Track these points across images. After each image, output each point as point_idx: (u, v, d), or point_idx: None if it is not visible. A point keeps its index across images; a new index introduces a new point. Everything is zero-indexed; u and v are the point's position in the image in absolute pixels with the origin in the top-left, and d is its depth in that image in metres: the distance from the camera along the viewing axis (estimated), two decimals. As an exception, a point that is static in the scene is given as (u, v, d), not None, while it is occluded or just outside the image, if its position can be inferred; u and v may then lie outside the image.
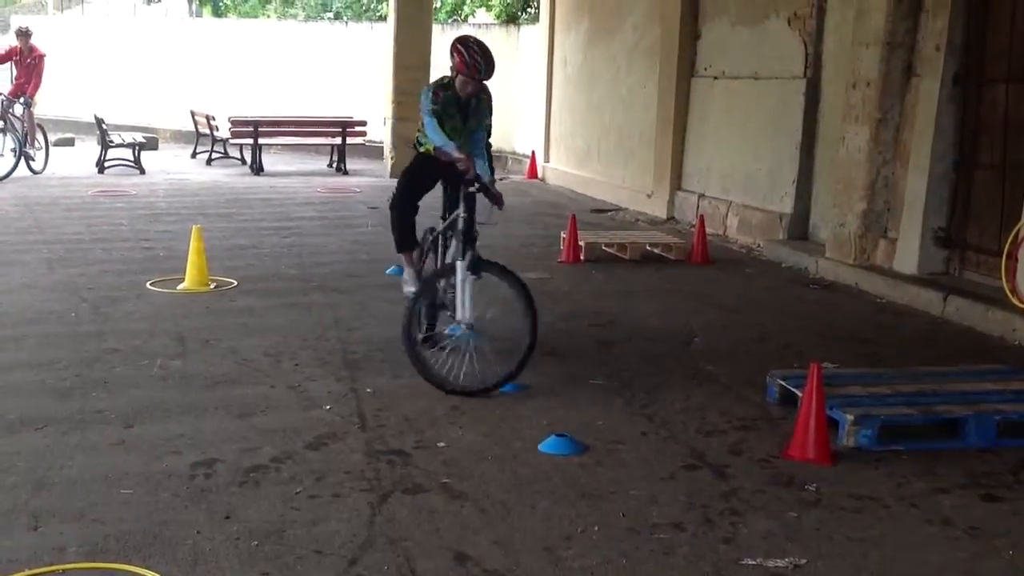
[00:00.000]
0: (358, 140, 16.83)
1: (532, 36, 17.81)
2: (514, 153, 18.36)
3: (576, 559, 3.70)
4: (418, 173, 6.36)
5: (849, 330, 7.30)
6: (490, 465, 4.56)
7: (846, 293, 8.56)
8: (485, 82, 6.04)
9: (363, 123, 16.65)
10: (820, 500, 4.29)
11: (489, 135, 6.31)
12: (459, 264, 5.71)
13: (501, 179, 16.58)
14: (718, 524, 4.03)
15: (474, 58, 5.86)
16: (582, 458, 4.67)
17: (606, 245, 9.96)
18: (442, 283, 6.04)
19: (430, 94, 5.99)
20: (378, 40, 18.29)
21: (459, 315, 5.69)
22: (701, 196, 11.80)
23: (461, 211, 5.85)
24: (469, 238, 5.81)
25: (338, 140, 16.65)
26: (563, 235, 9.89)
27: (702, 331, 7.05)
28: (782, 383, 5.45)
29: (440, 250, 6.37)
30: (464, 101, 6.03)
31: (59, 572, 3.48)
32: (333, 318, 7.12)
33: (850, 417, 4.87)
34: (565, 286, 8.50)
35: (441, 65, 16.37)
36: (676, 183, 12.46)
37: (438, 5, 22.03)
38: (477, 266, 5.70)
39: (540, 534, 3.88)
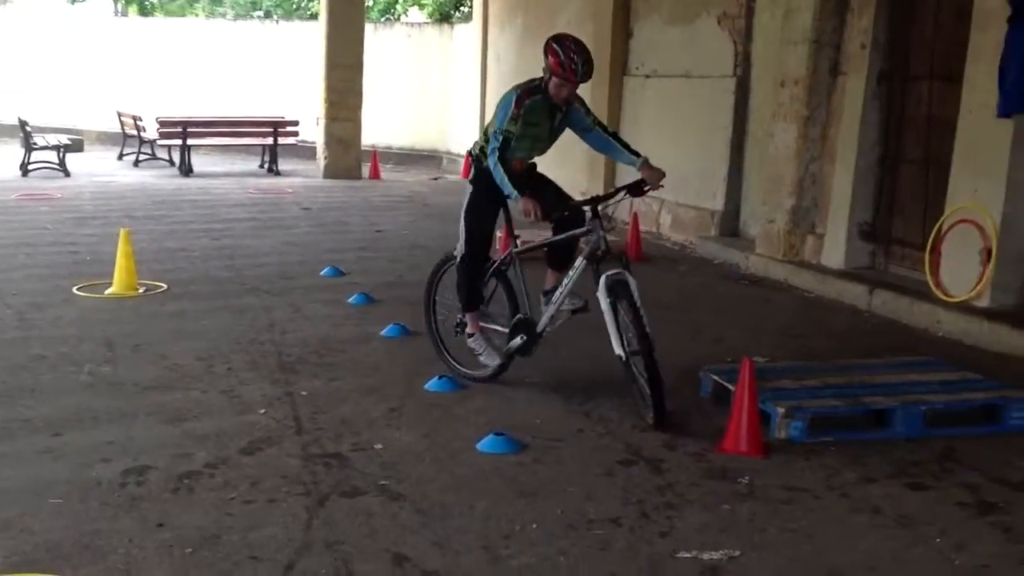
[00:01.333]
0: (290, 140, 16.67)
1: (465, 35, 17.83)
2: (448, 152, 18.35)
3: (515, 557, 3.71)
4: (483, 207, 5.55)
5: (780, 324, 7.42)
6: (428, 466, 4.55)
7: (776, 288, 8.70)
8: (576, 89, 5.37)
9: (295, 123, 16.51)
10: (753, 492, 4.36)
11: (604, 126, 5.61)
12: (600, 297, 5.16)
13: (435, 179, 16.75)
14: (654, 518, 4.07)
15: (571, 58, 5.16)
16: (520, 456, 4.68)
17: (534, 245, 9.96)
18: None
19: (512, 102, 5.25)
20: (310, 39, 18.13)
21: (616, 348, 5.13)
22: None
23: (589, 233, 5.27)
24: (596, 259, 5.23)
25: (270, 140, 16.47)
26: (499, 234, 9.90)
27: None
28: (715, 378, 5.52)
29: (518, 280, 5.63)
30: (555, 108, 5.36)
31: (-14, 585, 3.40)
32: (267, 321, 7.05)
33: (781, 410, 4.96)
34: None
35: (373, 65, 16.44)
36: (610, 181, 12.53)
37: (370, 4, 21.94)
38: (615, 288, 5.13)
39: (479, 533, 3.89)
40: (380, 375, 5.88)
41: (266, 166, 16.74)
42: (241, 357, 6.15)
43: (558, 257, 5.63)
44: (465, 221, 5.57)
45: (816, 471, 4.60)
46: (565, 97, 5.32)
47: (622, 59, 12.32)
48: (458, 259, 5.63)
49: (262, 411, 5.20)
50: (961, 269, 7.33)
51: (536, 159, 5.62)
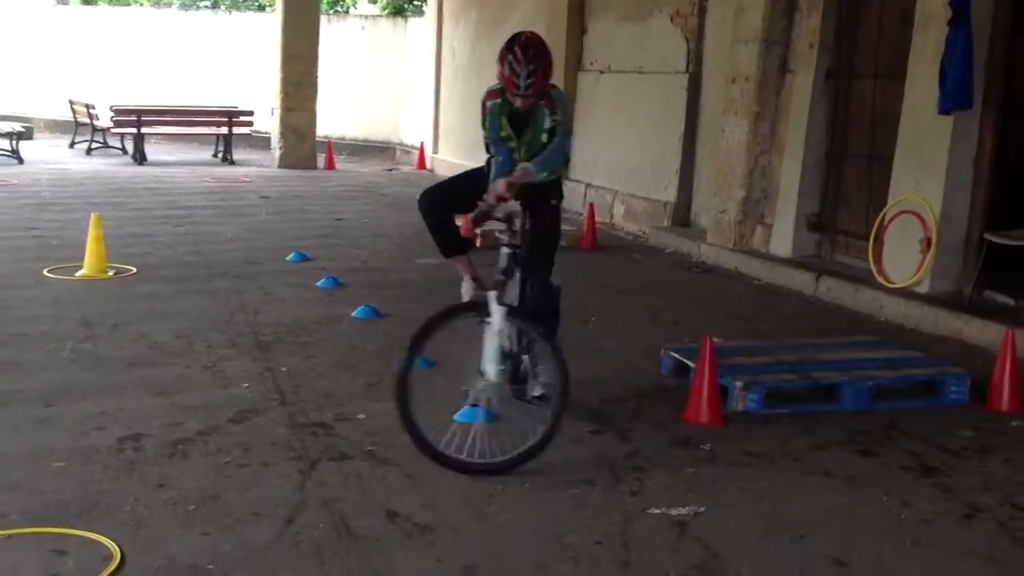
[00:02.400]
0: (244, 130, 16.75)
1: (419, 28, 18.03)
2: (402, 144, 18.54)
3: (498, 514, 3.99)
4: (466, 179, 5.33)
5: (731, 309, 7.78)
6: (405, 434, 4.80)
7: (727, 275, 9.07)
8: (549, 91, 4.86)
9: (250, 113, 16.57)
10: (714, 457, 4.68)
11: (553, 135, 4.92)
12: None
13: (390, 170, 16.93)
14: (625, 480, 4.37)
15: (514, 70, 4.68)
16: (495, 425, 4.95)
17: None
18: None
19: (482, 104, 5.02)
20: (262, 30, 18.21)
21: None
22: (588, 185, 12.22)
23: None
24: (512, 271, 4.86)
25: (224, 130, 16.53)
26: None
27: (597, 311, 7.41)
28: (675, 355, 5.84)
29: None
30: (521, 110, 4.85)
31: (4, 537, 3.59)
32: (239, 303, 7.24)
33: (739, 384, 5.29)
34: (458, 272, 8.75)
35: (327, 56, 16.56)
36: (564, 173, 12.84)
37: (322, -4, 21.96)
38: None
39: (463, 494, 4.15)
40: (355, 353, 6.11)
41: (220, 155, 16.80)
42: (218, 336, 6.34)
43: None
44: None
45: (772, 439, 4.93)
46: (521, 107, 4.82)
47: (576, 55, 12.63)
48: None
49: (245, 385, 5.42)
50: (902, 257, 7.76)
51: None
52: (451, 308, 4.64)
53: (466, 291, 5.38)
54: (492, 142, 5.03)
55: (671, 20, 10.88)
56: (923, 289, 7.57)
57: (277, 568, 3.49)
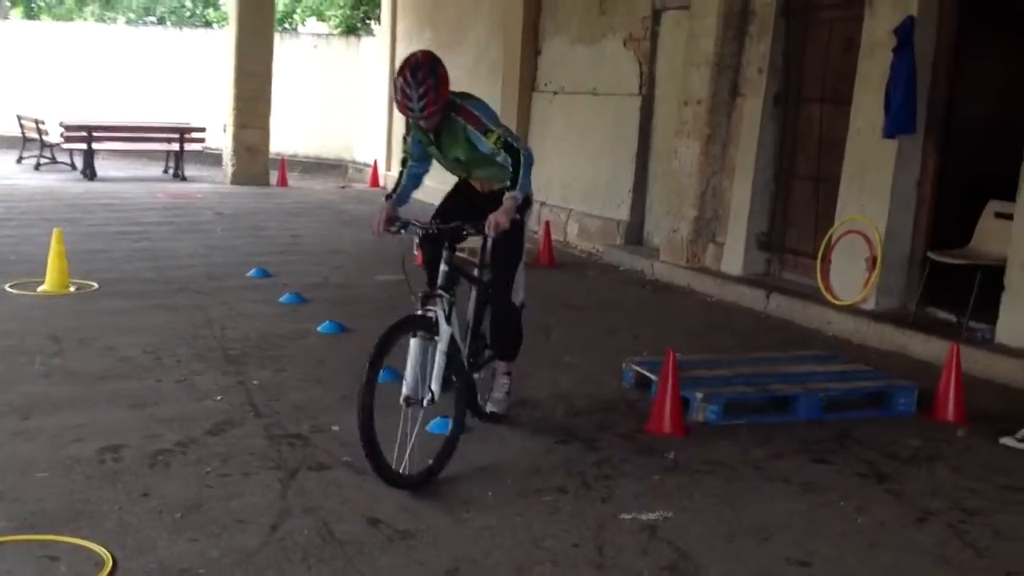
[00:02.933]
0: (196, 147, 16.72)
1: (372, 47, 18.16)
2: (355, 162, 18.62)
3: (476, 519, 4.14)
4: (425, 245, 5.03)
5: (686, 324, 8.02)
6: (385, 445, 4.92)
7: (680, 293, 9.32)
8: (457, 101, 4.79)
9: (202, 129, 16.55)
10: (679, 465, 4.88)
11: (509, 149, 4.77)
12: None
13: (343, 187, 17.01)
14: (595, 487, 4.54)
15: (405, 93, 4.62)
16: (466, 436, 5.09)
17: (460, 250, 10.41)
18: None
19: (405, 120, 4.95)
20: (215, 46, 18.21)
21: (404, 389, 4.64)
22: (543, 204, 12.41)
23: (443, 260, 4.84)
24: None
25: (175, 146, 16.50)
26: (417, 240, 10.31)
27: (557, 326, 7.59)
28: (637, 369, 6.04)
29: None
30: (433, 129, 4.83)
31: (-6, 546, 3.66)
32: (204, 318, 7.30)
33: (699, 396, 5.50)
34: (420, 286, 8.88)
35: (279, 74, 16.59)
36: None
37: (274, 13, 21.99)
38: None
39: (441, 501, 4.29)
40: (324, 367, 6.22)
41: (170, 171, 16.75)
42: (186, 350, 6.41)
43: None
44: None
45: (732, 448, 5.14)
46: (429, 127, 4.80)
47: (531, 75, 12.86)
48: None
49: (218, 398, 5.50)
50: (849, 275, 8.06)
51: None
52: (397, 326, 4.55)
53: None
54: (412, 157, 5.09)
55: (624, 44, 11.15)
56: (869, 306, 7.87)
57: (266, 572, 3.60)
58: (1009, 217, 7.11)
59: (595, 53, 11.65)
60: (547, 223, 10.93)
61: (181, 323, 7.11)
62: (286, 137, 18.07)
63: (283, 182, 16.50)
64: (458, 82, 16.60)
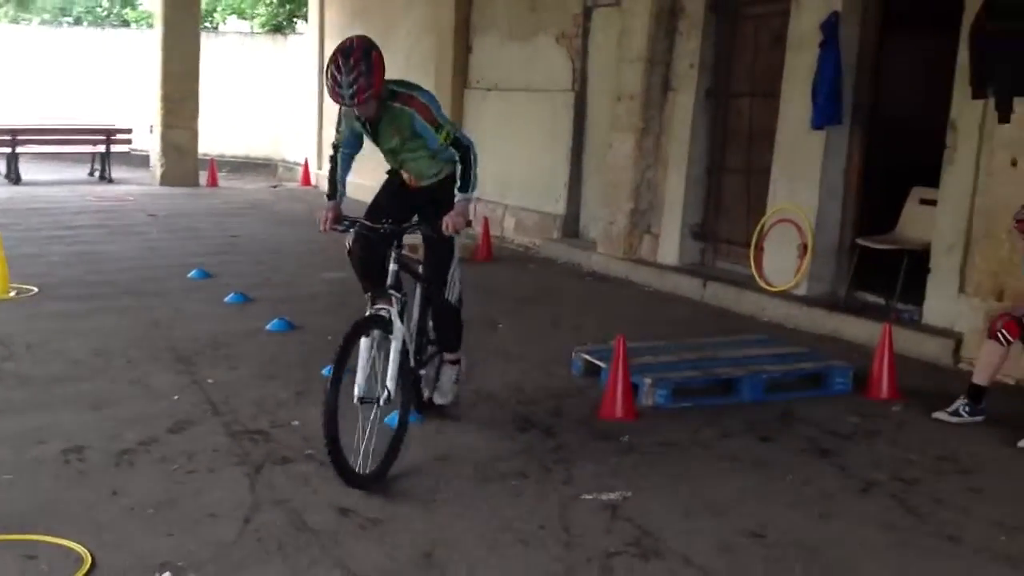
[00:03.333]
0: (123, 148, 16.49)
1: (300, 45, 18.08)
2: (284, 161, 18.53)
3: (444, 506, 4.26)
4: (357, 243, 4.90)
5: (626, 314, 8.22)
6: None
7: (618, 284, 9.53)
8: (404, 91, 4.71)
9: (128, 131, 16.33)
10: (633, 448, 5.06)
11: (458, 146, 4.74)
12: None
13: (275, 187, 16.93)
14: (555, 471, 4.69)
15: (335, 79, 4.49)
16: (424, 427, 5.21)
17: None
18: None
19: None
20: (139, 46, 17.96)
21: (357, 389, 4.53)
22: (478, 199, 12.54)
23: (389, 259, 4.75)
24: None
25: (102, 148, 16.25)
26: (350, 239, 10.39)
27: (502, 319, 7.74)
28: (586, 357, 6.22)
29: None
30: (369, 115, 4.69)
31: (-30, 547, 3.67)
32: (150, 319, 7.29)
33: (648, 381, 5.69)
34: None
35: (204, 73, 16.43)
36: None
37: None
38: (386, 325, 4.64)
39: (408, 490, 4.40)
40: (277, 364, 6.27)
41: (96, 174, 16.50)
42: (137, 352, 6.40)
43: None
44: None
45: (682, 430, 5.34)
46: (368, 116, 4.68)
47: (463, 72, 12.98)
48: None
49: (175, 397, 5.53)
50: (781, 263, 8.34)
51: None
52: (357, 325, 4.53)
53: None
54: (344, 143, 4.98)
55: (556, 41, 11.33)
56: (801, 292, 8.16)
57: (244, 562, 3.68)
58: (932, 203, 7.45)
59: (527, 50, 11.81)
60: (485, 218, 11.07)
61: (128, 325, 7.10)
62: (214, 137, 17.90)
63: (213, 182, 16.38)
64: (390, 77, 16.44)
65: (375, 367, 4.54)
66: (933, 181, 7.38)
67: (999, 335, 5.44)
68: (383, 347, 4.56)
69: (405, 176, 5.02)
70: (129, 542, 3.78)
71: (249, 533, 3.91)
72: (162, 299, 7.95)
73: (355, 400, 4.44)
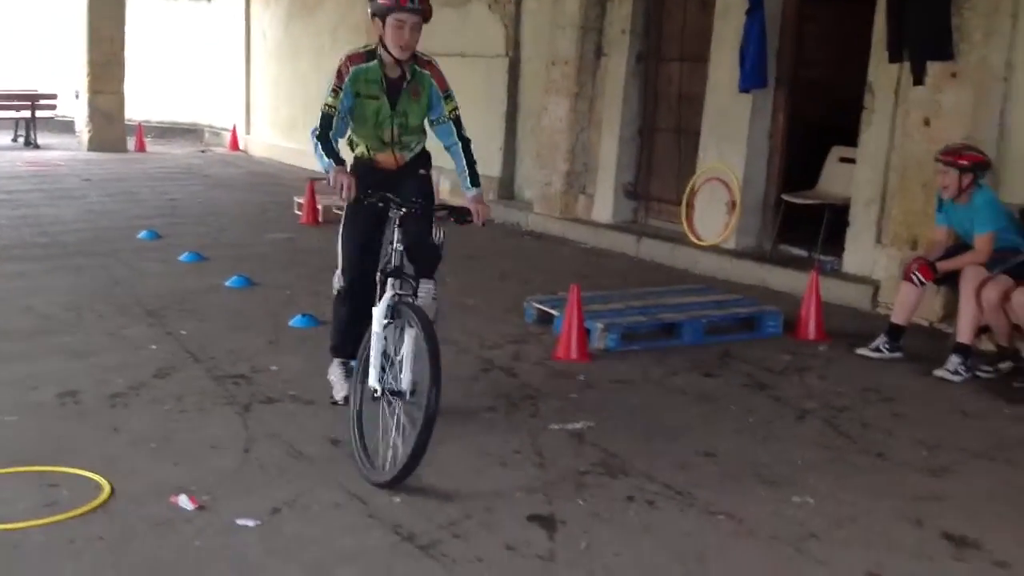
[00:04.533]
0: (48, 114, 16.31)
1: (227, 9, 17.97)
2: (211, 126, 18.47)
3: (424, 436, 4.63)
4: (362, 216, 4.48)
5: (568, 268, 8.63)
6: (320, 379, 5.28)
7: (556, 241, 9.95)
8: (424, 56, 4.52)
9: (53, 96, 16.15)
10: (590, 385, 5.50)
11: (460, 126, 4.64)
12: (375, 311, 4.18)
13: (203, 151, 16.92)
14: (522, 406, 5.10)
15: None
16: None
17: (339, 208, 10.74)
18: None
19: (335, 71, 4.38)
20: (62, 9, 17.67)
21: (372, 379, 4.15)
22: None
23: (394, 241, 4.30)
24: (399, 278, 4.26)
25: (27, 114, 16.06)
26: (298, 199, 10.63)
27: (452, 274, 8.05)
28: (539, 306, 6.63)
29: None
30: (396, 80, 4.43)
31: (-7, 479, 3.93)
32: (110, 278, 7.47)
33: (600, 326, 6.13)
34: (315, 243, 9.22)
35: (130, 37, 16.30)
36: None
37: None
38: (399, 311, 4.13)
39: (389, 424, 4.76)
40: (244, 317, 6.55)
41: (22, 140, 16.29)
42: (106, 307, 6.61)
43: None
44: (342, 233, 4.67)
45: (632, 369, 5.80)
46: (408, 43, 4.34)
47: (396, 38, 13.17)
48: (334, 292, 4.81)
49: (153, 347, 5.79)
50: (711, 219, 8.85)
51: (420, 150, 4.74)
52: (392, 309, 4.15)
53: (337, 379, 4.93)
54: (341, 117, 4.43)
55: (489, 7, 11.63)
56: (731, 245, 8.69)
57: (252, 486, 4.01)
58: (851, 161, 8.01)
59: (461, 16, 12.08)
60: (423, 180, 11.34)
61: (89, 283, 7.27)
62: (140, 102, 17.74)
63: (141, 147, 16.33)
64: (321, 46, 16.88)
65: (390, 356, 4.11)
66: (852, 140, 7.94)
67: (913, 276, 6.01)
68: (398, 333, 4.12)
69: (387, 156, 4.62)
70: (140, 471, 4.08)
71: (251, 462, 4.24)
72: (116, 259, 8.11)
73: (378, 394, 4.09)
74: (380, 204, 4.30)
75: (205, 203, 11.34)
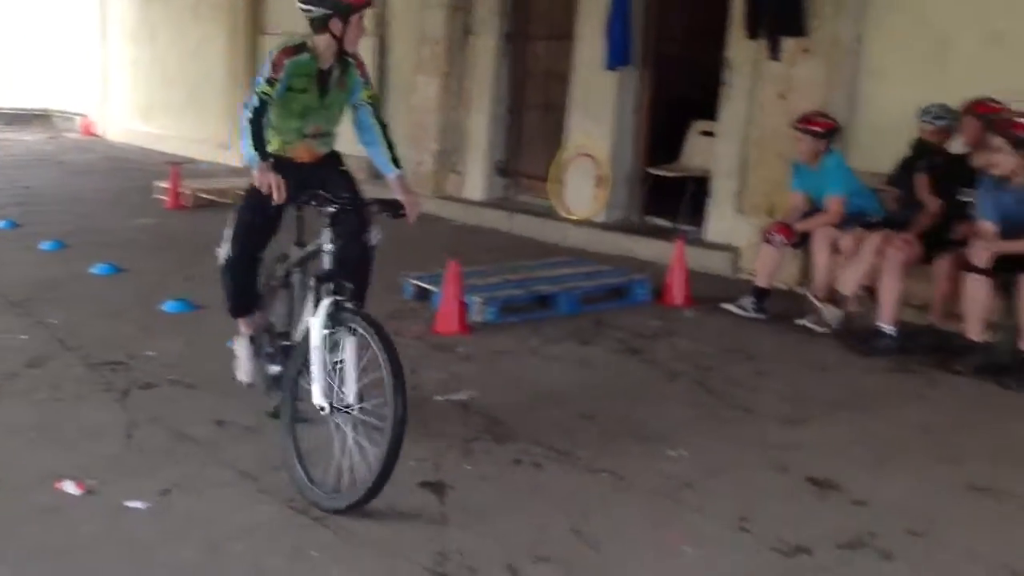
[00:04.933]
0: None
1: (76, -9, 17.33)
2: (63, 113, 17.80)
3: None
4: (264, 202, 4.12)
5: (443, 245, 8.68)
6: (201, 363, 5.30)
7: (430, 220, 9.89)
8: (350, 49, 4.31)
9: None
10: (470, 356, 5.62)
11: (377, 109, 4.58)
12: (312, 321, 3.86)
13: (53, 137, 16.29)
14: (405, 379, 5.16)
15: None
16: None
17: (205, 192, 10.58)
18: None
19: (270, 62, 4.20)
20: None
21: (317, 396, 3.78)
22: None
23: (325, 242, 3.99)
24: (335, 283, 3.91)
25: None
26: (161, 184, 10.40)
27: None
28: (417, 282, 6.71)
29: (301, 291, 4.37)
30: (326, 72, 4.31)
31: None
32: (-35, 269, 7.21)
33: (478, 299, 6.26)
34: (181, 228, 9.07)
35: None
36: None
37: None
38: (341, 317, 3.82)
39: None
40: (113, 304, 6.41)
41: None
42: (-36, 299, 6.39)
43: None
44: (236, 213, 4.44)
45: (511, 340, 5.94)
46: (344, 41, 4.23)
47: (256, 19, 12.98)
48: (220, 261, 4.48)
49: (23, 337, 5.63)
50: (581, 194, 9.07)
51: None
52: (334, 318, 3.82)
53: (244, 359, 4.67)
54: (266, 108, 4.20)
55: (353, -14, 11.55)
56: (600, 219, 8.93)
57: (138, 469, 3.99)
58: (711, 135, 8.34)
59: (324, -5, 11.96)
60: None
61: (-56, 276, 7.00)
62: (-16, 87, 17.03)
63: (-12, 135, 15.64)
64: (182, 24, 16.40)
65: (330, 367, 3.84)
66: (712, 115, 8.25)
67: (772, 237, 6.35)
68: (342, 342, 3.85)
69: (304, 150, 4.48)
70: (21, 459, 4.01)
71: (134, 446, 4.21)
72: (-27, 249, 7.83)
73: (326, 411, 3.76)
74: (313, 203, 4.01)
75: (61, 190, 10.94)
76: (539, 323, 6.30)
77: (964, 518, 3.85)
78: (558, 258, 7.77)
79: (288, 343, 4.39)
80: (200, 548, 3.41)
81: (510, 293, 6.49)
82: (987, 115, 5.82)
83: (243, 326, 4.67)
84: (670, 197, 8.56)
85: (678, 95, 8.94)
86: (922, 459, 4.40)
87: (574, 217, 9.05)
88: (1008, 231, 5.42)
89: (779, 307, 6.59)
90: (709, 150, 8.33)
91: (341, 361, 3.81)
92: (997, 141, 5.41)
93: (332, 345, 3.82)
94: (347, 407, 3.75)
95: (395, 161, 4.57)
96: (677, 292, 6.86)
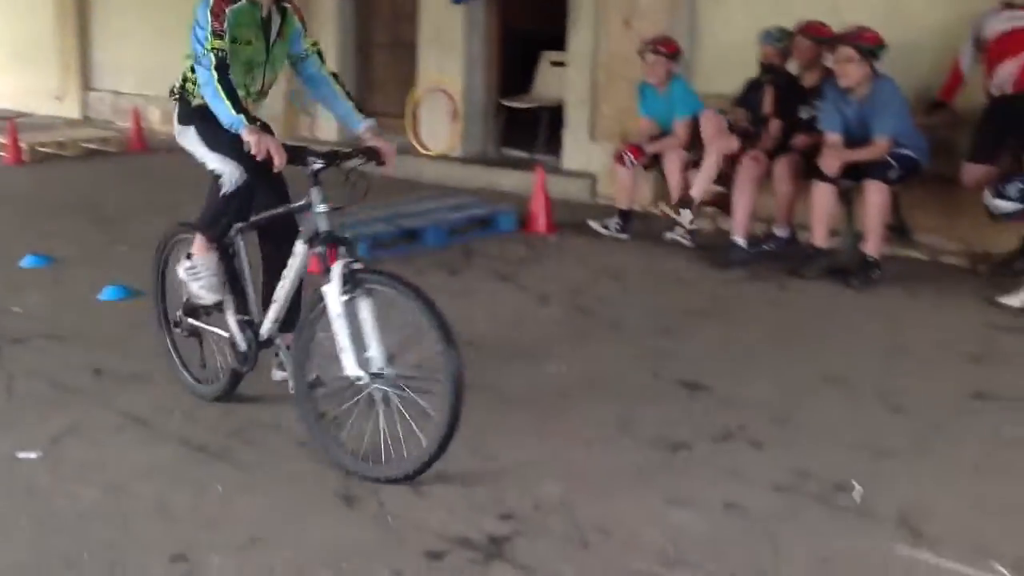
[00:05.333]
0: None
1: None
2: None
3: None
4: (223, 136, 3.79)
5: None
6: (68, 316, 5.21)
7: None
8: None
9: None
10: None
11: (323, 59, 4.13)
12: (327, 290, 3.71)
13: None
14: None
15: None
16: (135, 301, 5.44)
17: (45, 145, 10.17)
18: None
19: (207, 15, 3.65)
20: None
21: (351, 367, 3.55)
22: (117, 93, 12.26)
23: (316, 202, 3.87)
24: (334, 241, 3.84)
25: None
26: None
27: (182, 205, 7.93)
28: (282, 223, 6.69)
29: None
30: (266, 20, 3.85)
31: None
32: None
33: (348, 235, 6.29)
34: (24, 183, 8.75)
35: None
36: (86, 84, 12.74)
37: None
38: (358, 279, 3.65)
39: (151, 348, 4.73)
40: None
41: None
42: None
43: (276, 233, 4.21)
44: (218, 152, 3.93)
45: (383, 274, 6.03)
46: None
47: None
48: (228, 191, 4.04)
49: None
50: (436, 129, 9.14)
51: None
52: (352, 282, 3.72)
53: (209, 273, 4.17)
54: (216, 82, 3.65)
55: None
56: (457, 153, 9.04)
57: (23, 419, 3.96)
58: (562, 64, 8.52)
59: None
60: (135, 109, 10.92)
61: None
62: None
63: None
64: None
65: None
66: (562, 46, 8.43)
67: (624, 157, 6.61)
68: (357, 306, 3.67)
69: (253, 109, 3.99)
70: None
71: (16, 399, 4.16)
72: None
73: (363, 381, 3.54)
74: (310, 160, 3.80)
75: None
76: (409, 257, 6.40)
77: (822, 406, 4.20)
78: (422, 193, 7.85)
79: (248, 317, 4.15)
80: (101, 490, 3.42)
81: (379, 229, 6.56)
82: (818, 36, 6.17)
83: (206, 248, 4.15)
84: (526, 128, 8.73)
85: (528, 28, 9.07)
86: (779, 357, 4.75)
87: (431, 153, 9.12)
88: (849, 141, 5.78)
89: (639, 228, 6.88)
90: (561, 80, 8.52)
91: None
92: (847, 51, 5.64)
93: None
94: (379, 372, 3.52)
95: (360, 110, 4.21)
96: (541, 220, 7.06)
